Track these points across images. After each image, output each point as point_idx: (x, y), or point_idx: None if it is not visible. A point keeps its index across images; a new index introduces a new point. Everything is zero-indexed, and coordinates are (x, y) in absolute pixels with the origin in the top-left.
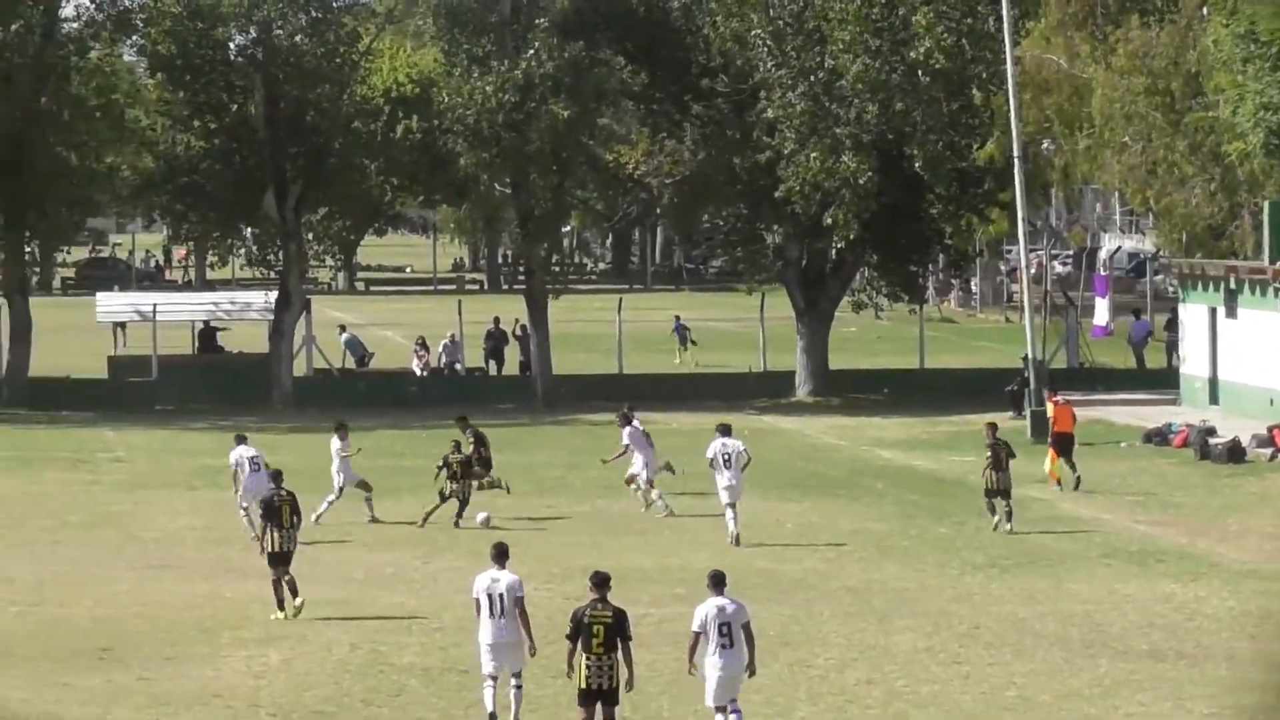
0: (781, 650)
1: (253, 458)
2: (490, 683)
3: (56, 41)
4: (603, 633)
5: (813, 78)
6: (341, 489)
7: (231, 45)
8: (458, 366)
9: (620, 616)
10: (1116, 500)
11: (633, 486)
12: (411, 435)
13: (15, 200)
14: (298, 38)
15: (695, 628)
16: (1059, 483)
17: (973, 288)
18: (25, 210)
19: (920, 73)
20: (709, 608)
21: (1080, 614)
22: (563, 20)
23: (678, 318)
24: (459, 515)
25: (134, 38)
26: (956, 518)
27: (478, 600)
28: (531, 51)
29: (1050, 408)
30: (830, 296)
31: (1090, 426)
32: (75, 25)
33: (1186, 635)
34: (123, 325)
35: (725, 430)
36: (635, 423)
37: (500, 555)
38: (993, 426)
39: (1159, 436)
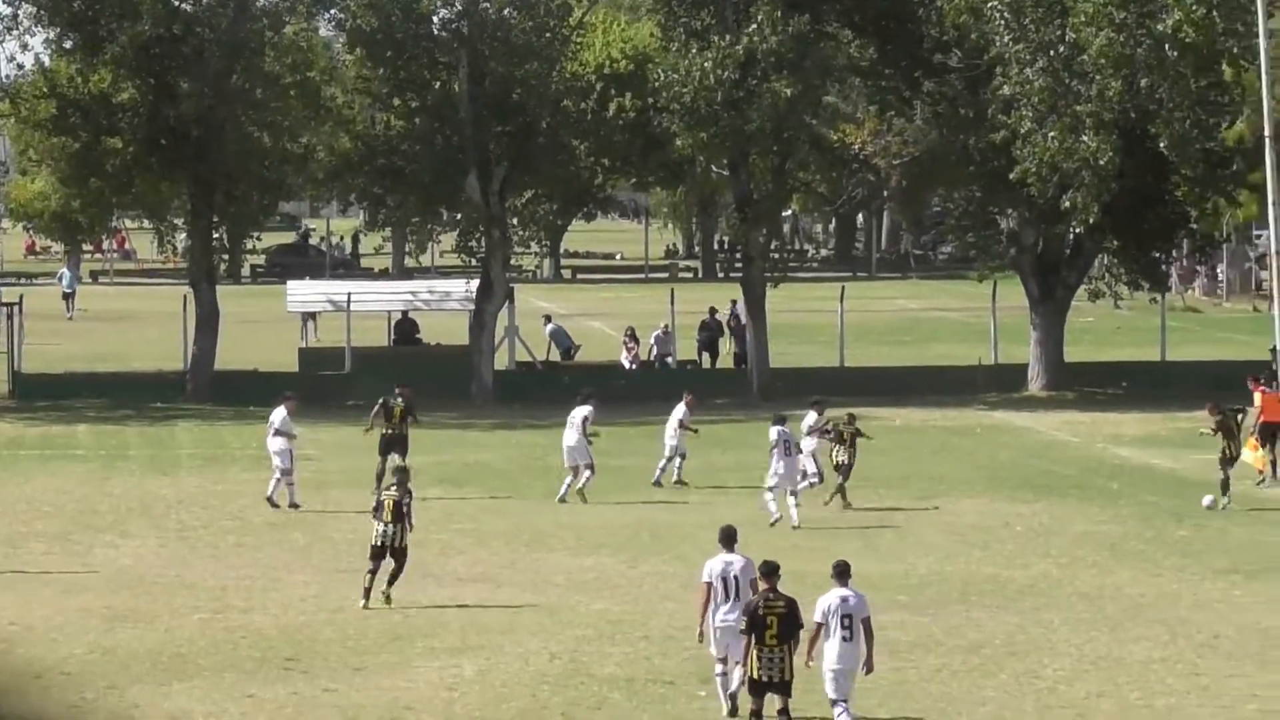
0: (1008, 660)
1: None
2: (721, 667)
3: (250, 15)
4: (776, 624)
5: (1052, 52)
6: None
7: (435, 19)
8: (669, 360)
9: (793, 607)
10: None
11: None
12: (620, 432)
13: (203, 183)
14: (505, 11)
15: (817, 619)
16: (1260, 472)
17: (1219, 275)
18: (213, 194)
19: (1167, 46)
20: (832, 598)
21: None
22: None
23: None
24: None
25: (332, 11)
26: (1197, 520)
27: (709, 584)
28: (754, 25)
29: (1257, 396)
30: (1067, 284)
31: None
32: None
33: None
34: (313, 316)
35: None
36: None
37: (729, 539)
38: (1214, 404)
39: None
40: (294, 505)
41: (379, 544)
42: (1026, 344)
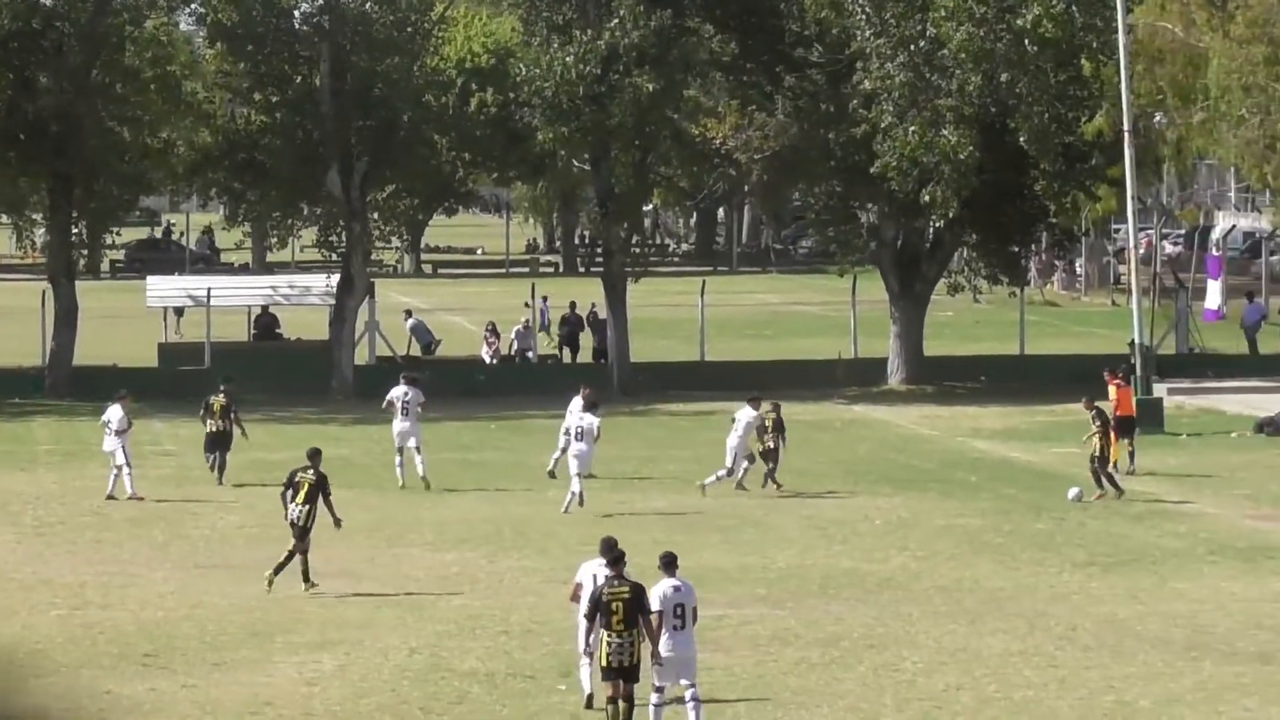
0: (867, 653)
1: None
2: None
3: (110, 9)
4: (621, 609)
5: (913, 47)
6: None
7: (296, 13)
8: (530, 354)
9: (638, 591)
10: (1225, 494)
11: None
12: (479, 427)
13: (62, 178)
14: (367, 5)
15: (656, 608)
16: (1115, 465)
17: (1078, 269)
18: (73, 189)
19: (1027, 41)
20: (664, 588)
21: (1184, 614)
22: None
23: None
24: None
25: (192, 5)
26: (1055, 512)
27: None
28: (616, 20)
29: (1112, 390)
30: (926, 279)
31: (1200, 415)
32: None
33: None
34: (180, 311)
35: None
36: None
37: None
38: (1089, 398)
39: (1272, 426)
40: (136, 497)
41: (302, 524)
42: (886, 338)
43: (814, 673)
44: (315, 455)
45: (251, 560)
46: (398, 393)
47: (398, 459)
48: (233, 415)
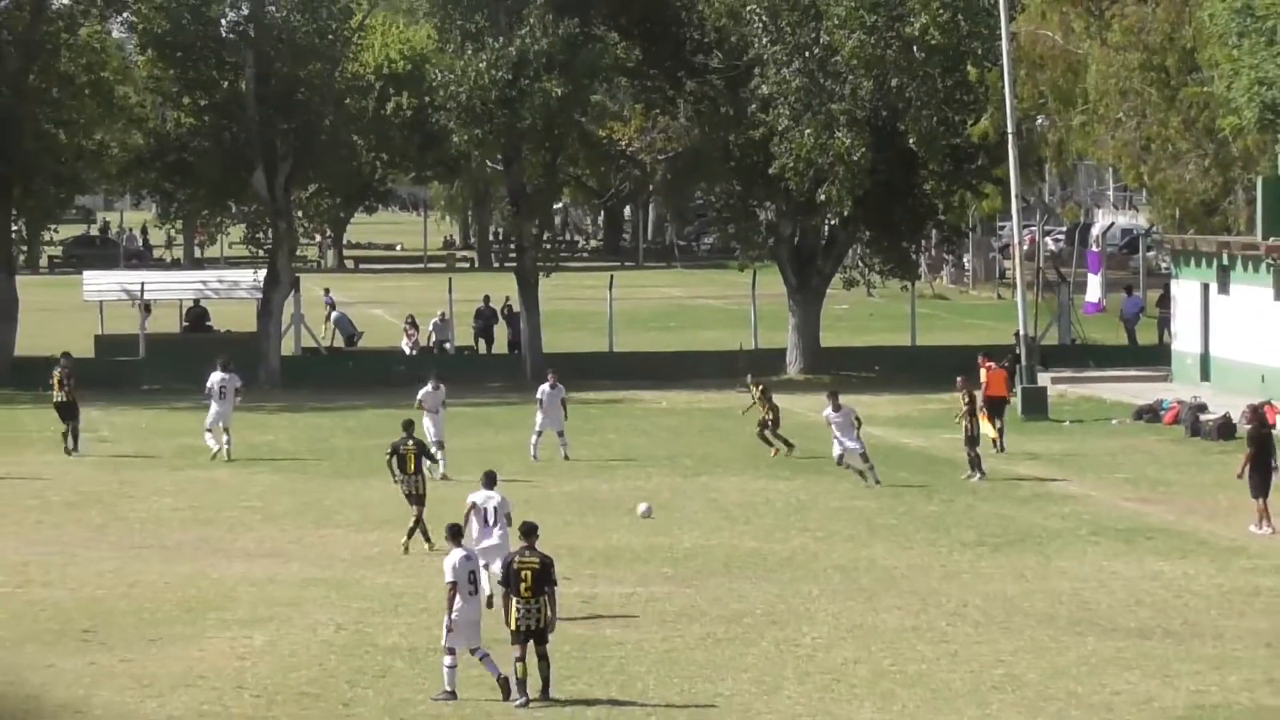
0: (768, 629)
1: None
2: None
3: (46, 17)
4: (530, 578)
5: (807, 54)
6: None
7: (223, 22)
8: (447, 345)
9: (546, 563)
10: (1106, 477)
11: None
12: (399, 415)
13: (2, 178)
14: (290, 14)
15: (450, 579)
16: (994, 441)
17: (966, 264)
18: (11, 188)
19: (915, 48)
20: (454, 557)
21: (1068, 592)
22: None
23: (330, 302)
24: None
25: (124, 14)
26: (945, 495)
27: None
28: (526, 28)
29: (983, 372)
30: (822, 273)
31: (1081, 403)
32: (65, 1)
33: (1174, 613)
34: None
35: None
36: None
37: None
38: (964, 378)
39: (1150, 413)
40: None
41: (419, 491)
42: (785, 330)
43: (719, 647)
44: (410, 426)
45: (184, 541)
46: (216, 379)
47: (208, 436)
48: (70, 384)
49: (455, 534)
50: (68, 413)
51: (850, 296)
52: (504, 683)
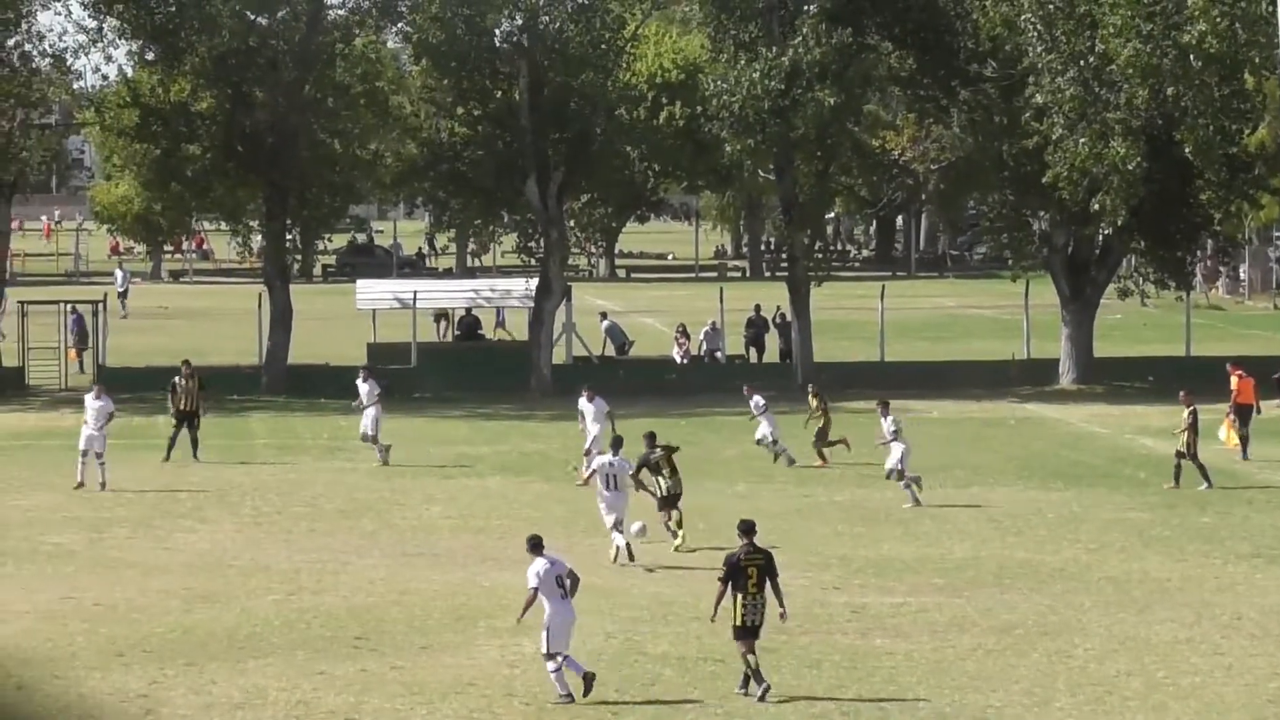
0: (1040, 640)
1: None
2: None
3: (322, 28)
4: (756, 574)
5: (1082, 63)
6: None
7: (497, 32)
8: (718, 354)
9: (769, 558)
10: None
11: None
12: (670, 423)
13: (277, 188)
14: (563, 24)
15: (533, 585)
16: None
17: (1241, 274)
18: (287, 198)
19: (1192, 57)
20: (539, 565)
21: None
22: (831, 6)
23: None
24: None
25: (399, 25)
26: (1220, 507)
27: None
28: (799, 38)
29: (1233, 379)
30: (1096, 283)
31: None
32: (341, 12)
33: None
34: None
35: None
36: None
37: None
38: (1187, 392)
39: None
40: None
41: (677, 491)
42: (1058, 340)
43: (990, 658)
44: (653, 437)
45: (455, 548)
46: (363, 389)
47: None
48: (194, 393)
49: (536, 545)
50: (187, 421)
51: (1124, 306)
52: (589, 679)
